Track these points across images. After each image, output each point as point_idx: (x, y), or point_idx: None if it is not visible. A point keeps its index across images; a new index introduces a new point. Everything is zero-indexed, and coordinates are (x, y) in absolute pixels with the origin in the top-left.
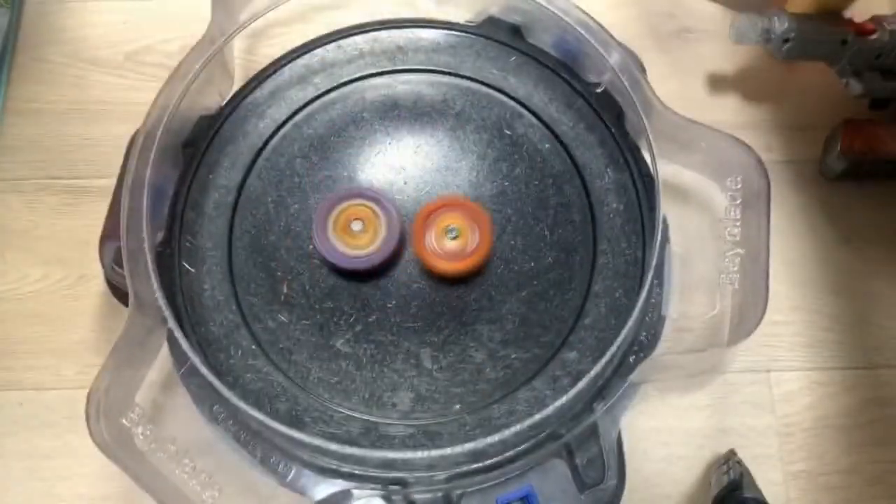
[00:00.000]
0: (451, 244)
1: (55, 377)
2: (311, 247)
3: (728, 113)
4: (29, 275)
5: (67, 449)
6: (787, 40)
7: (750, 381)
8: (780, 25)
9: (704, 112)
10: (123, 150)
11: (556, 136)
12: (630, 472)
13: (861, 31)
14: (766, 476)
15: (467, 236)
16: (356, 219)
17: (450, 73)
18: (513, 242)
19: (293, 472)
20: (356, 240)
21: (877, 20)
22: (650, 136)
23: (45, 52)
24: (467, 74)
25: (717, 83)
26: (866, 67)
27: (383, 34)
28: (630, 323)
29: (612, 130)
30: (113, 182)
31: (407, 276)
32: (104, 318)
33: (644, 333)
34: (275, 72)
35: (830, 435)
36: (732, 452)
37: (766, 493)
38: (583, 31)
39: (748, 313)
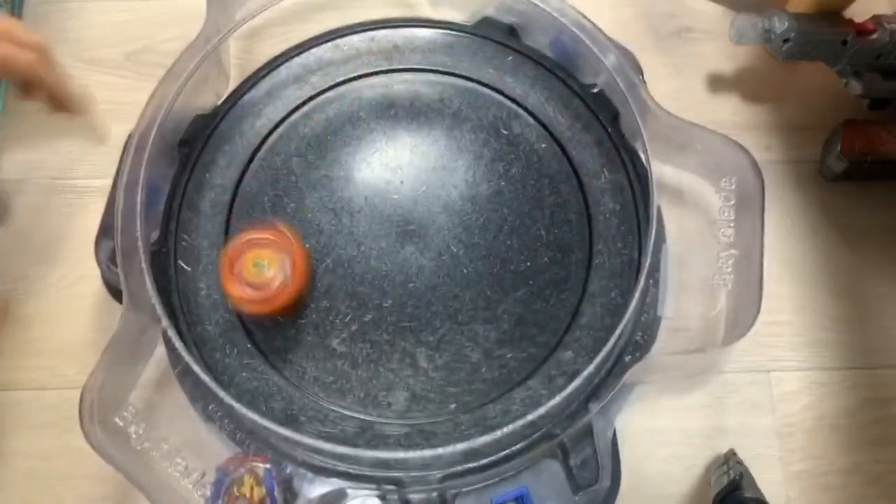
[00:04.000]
0: (259, 278)
1: (55, 377)
2: (307, 245)
3: (728, 113)
4: (29, 275)
5: (67, 449)
6: (787, 40)
7: (750, 381)
8: (780, 25)
9: (704, 112)
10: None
11: (553, 136)
12: (630, 472)
13: (861, 31)
14: (766, 476)
15: (275, 269)
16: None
17: (446, 73)
18: (509, 242)
19: (288, 471)
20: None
21: (877, 20)
22: (645, 137)
23: None
24: (464, 74)
25: (717, 83)
26: (866, 67)
27: (380, 34)
28: (624, 322)
29: (609, 131)
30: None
31: (403, 275)
32: (104, 317)
33: (640, 333)
34: (271, 71)
35: (830, 435)
36: (732, 452)
37: (766, 493)
38: (578, 32)
39: (742, 314)
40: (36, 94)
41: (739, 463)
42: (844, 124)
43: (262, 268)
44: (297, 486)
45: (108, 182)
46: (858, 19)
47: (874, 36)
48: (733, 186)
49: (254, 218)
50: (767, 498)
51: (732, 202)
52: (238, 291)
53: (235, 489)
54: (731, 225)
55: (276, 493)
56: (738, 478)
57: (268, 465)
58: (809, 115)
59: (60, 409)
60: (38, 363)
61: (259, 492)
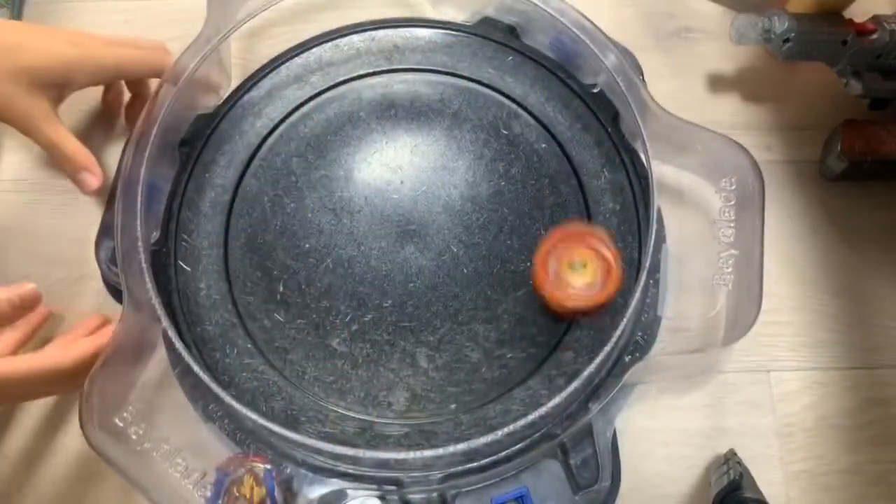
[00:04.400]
0: (579, 279)
1: None
2: (307, 245)
3: (728, 113)
4: (30, 275)
5: (66, 449)
6: (787, 40)
7: (750, 381)
8: (780, 25)
9: (704, 112)
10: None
11: (553, 136)
12: (630, 472)
13: (861, 31)
14: (766, 476)
15: (595, 269)
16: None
17: (446, 73)
18: (509, 242)
19: (288, 471)
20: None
21: (877, 20)
22: (645, 138)
23: None
24: (464, 74)
25: (717, 83)
26: (866, 67)
27: (380, 33)
28: (624, 322)
29: (609, 131)
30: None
31: (403, 275)
32: None
33: (640, 333)
34: (272, 71)
35: (831, 435)
36: (732, 452)
37: (766, 493)
38: (578, 32)
39: (742, 314)
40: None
41: (739, 463)
42: (844, 124)
43: (581, 269)
44: (297, 487)
45: (109, 182)
46: (858, 19)
47: (874, 36)
48: (733, 186)
49: (254, 218)
50: (767, 498)
51: (733, 202)
52: (554, 288)
53: (235, 489)
54: (732, 225)
55: (276, 493)
56: (738, 478)
57: (268, 465)
58: (809, 115)
59: (61, 410)
60: None
61: (259, 492)
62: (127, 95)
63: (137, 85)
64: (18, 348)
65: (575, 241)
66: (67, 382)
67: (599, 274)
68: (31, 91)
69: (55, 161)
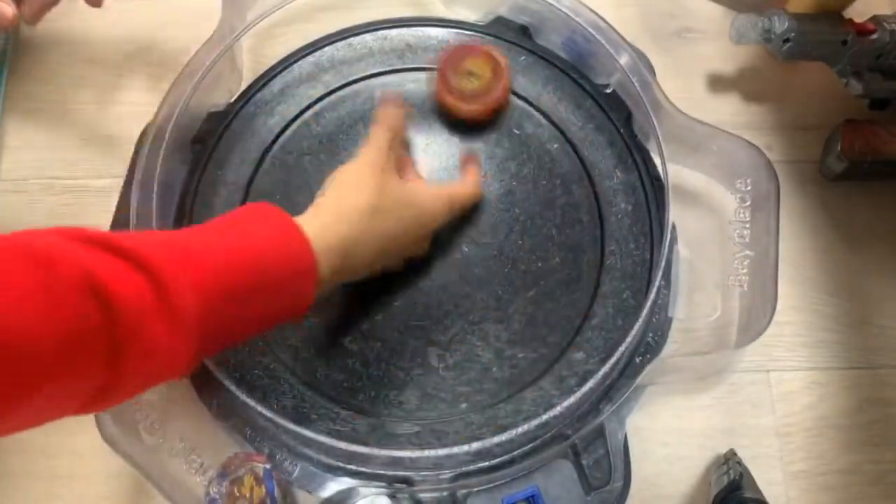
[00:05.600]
0: (471, 87)
1: None
2: None
3: (728, 113)
4: None
5: (67, 449)
6: (787, 40)
7: (750, 381)
8: (780, 25)
9: (704, 112)
10: (122, 150)
11: (565, 137)
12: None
13: (861, 31)
14: (766, 476)
15: (487, 79)
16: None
17: None
18: (520, 242)
19: (298, 468)
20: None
21: (877, 20)
22: (660, 138)
23: (45, 52)
24: None
25: (717, 83)
26: (866, 67)
27: (393, 32)
28: (639, 323)
29: (621, 131)
30: (113, 182)
31: (414, 274)
32: None
33: (651, 335)
34: (284, 69)
35: (830, 435)
36: (732, 452)
37: (766, 493)
38: (593, 32)
39: (756, 315)
40: None
41: (739, 463)
42: (844, 124)
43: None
44: (307, 484)
45: (108, 182)
46: (858, 19)
47: (874, 36)
48: (749, 188)
49: None
50: (767, 498)
51: (748, 203)
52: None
53: (235, 489)
54: (747, 226)
55: (276, 493)
56: (738, 478)
57: (268, 465)
58: (809, 115)
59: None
60: None
61: (259, 492)
62: None
63: None
64: None
65: (469, 53)
66: None
67: (491, 80)
68: None
69: None
